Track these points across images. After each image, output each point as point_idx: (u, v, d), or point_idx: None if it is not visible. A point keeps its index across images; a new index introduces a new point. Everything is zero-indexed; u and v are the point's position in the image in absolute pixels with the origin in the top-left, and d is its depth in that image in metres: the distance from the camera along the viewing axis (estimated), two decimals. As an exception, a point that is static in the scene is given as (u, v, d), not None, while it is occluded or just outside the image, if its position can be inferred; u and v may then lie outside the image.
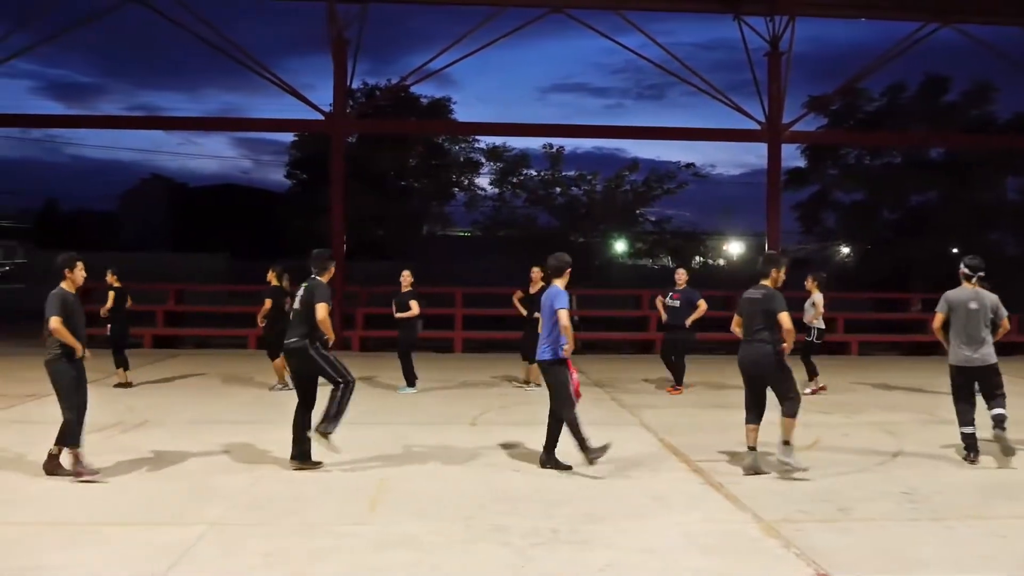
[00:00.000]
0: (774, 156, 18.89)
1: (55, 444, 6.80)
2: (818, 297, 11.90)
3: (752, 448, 7.19)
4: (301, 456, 7.19)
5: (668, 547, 5.29)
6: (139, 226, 51.98)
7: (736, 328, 7.46)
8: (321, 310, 7.13)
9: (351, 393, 7.27)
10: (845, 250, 35.68)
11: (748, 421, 7.24)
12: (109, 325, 11.68)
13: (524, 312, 11.76)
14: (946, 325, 7.78)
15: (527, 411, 10.12)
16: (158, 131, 74.57)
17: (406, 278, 11.77)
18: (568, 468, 7.25)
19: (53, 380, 6.83)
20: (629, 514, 5.99)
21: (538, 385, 11.85)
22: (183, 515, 5.83)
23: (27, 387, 11.27)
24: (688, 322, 11.54)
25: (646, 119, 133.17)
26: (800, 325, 11.87)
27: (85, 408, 6.93)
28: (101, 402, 10.06)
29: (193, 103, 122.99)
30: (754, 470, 7.10)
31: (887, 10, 18.81)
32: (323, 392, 7.26)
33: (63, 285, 7.01)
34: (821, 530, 5.67)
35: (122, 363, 11.71)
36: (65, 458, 6.79)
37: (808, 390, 11.50)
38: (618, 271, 33.51)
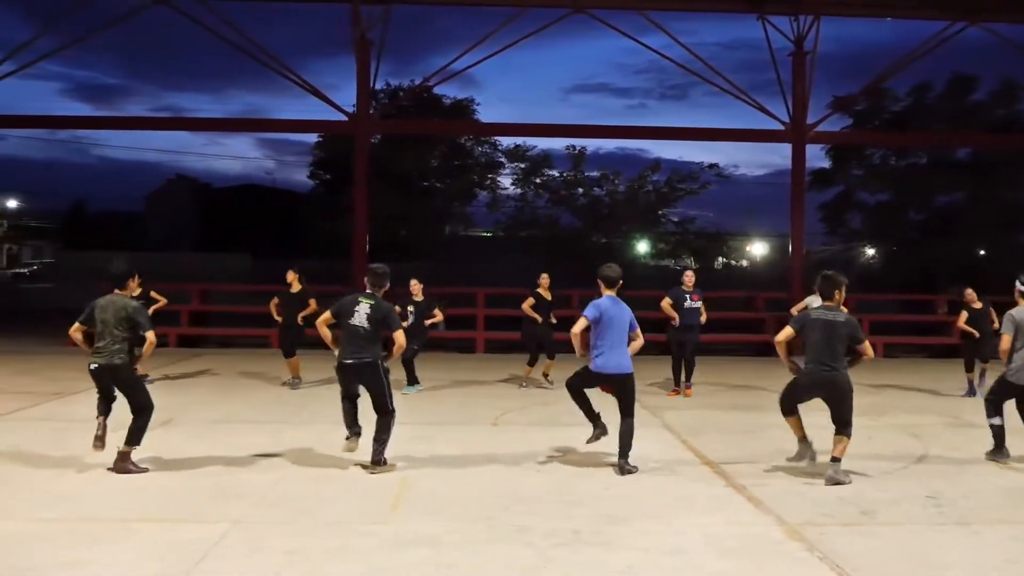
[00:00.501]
0: (798, 157, 18.78)
1: (125, 443, 6.98)
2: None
3: (804, 438, 7.21)
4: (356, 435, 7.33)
5: (690, 549, 5.27)
6: (164, 226, 52.51)
7: (783, 343, 7.17)
8: (401, 337, 7.34)
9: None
10: (870, 251, 35.39)
11: (791, 414, 7.20)
12: None
13: (540, 319, 11.83)
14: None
15: (548, 412, 10.12)
16: (183, 132, 75.58)
17: (416, 286, 11.75)
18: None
19: (135, 383, 7.22)
20: (651, 516, 5.97)
21: (538, 380, 12.04)
22: (207, 513, 5.88)
23: (54, 385, 11.44)
24: (703, 320, 11.77)
25: (669, 119, 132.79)
26: None
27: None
28: (124, 401, 10.19)
29: (218, 104, 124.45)
30: (811, 456, 7.13)
31: (913, 9, 18.64)
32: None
33: (124, 293, 7.22)
34: (845, 533, 5.63)
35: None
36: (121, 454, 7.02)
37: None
38: (640, 272, 33.43)
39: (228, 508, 5.99)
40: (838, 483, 6.82)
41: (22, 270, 54.80)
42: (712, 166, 33.08)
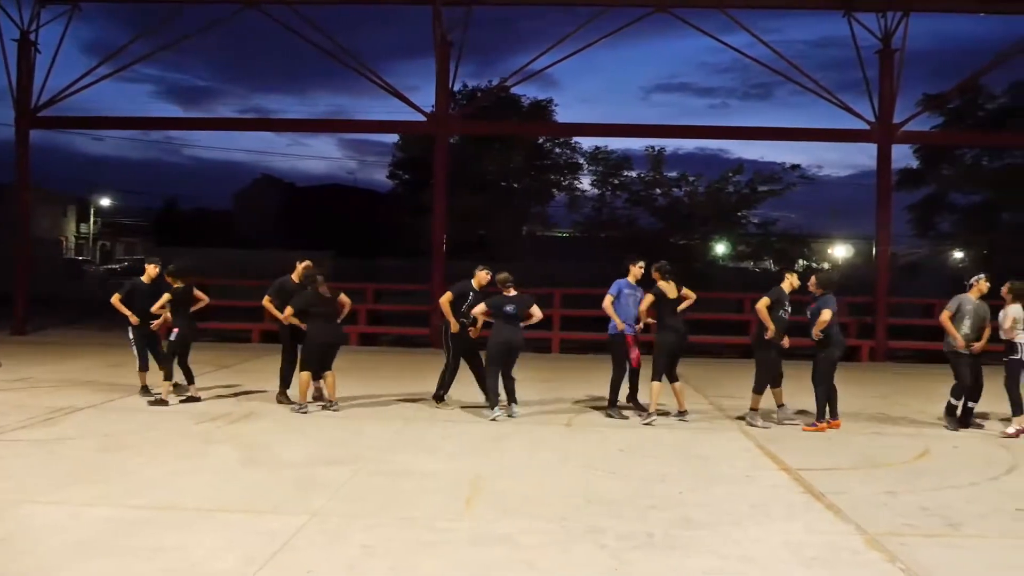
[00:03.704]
0: (884, 157, 18.24)
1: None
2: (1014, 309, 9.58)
3: (780, 405, 9.86)
4: (437, 398, 10.16)
5: (768, 557, 5.18)
6: (251, 224, 53.94)
7: (762, 309, 9.58)
8: (444, 300, 10.02)
9: (450, 373, 10.12)
10: (960, 255, 34.13)
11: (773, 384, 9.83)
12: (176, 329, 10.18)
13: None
14: None
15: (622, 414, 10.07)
16: (269, 132, 77.65)
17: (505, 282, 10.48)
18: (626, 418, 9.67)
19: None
20: (727, 521, 5.89)
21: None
22: (286, 504, 6.03)
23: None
24: (815, 332, 9.35)
25: (752, 119, 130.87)
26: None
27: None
28: (210, 395, 10.52)
29: (302, 105, 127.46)
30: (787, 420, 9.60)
31: (1010, 3, 17.93)
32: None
33: (293, 277, 10.36)
34: (928, 545, 5.46)
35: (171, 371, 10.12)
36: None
37: (1012, 429, 9.39)
38: (720, 274, 32.88)
39: (307, 500, 6.14)
40: (750, 424, 9.56)
41: (114, 267, 56.92)
42: (795, 167, 32.31)
